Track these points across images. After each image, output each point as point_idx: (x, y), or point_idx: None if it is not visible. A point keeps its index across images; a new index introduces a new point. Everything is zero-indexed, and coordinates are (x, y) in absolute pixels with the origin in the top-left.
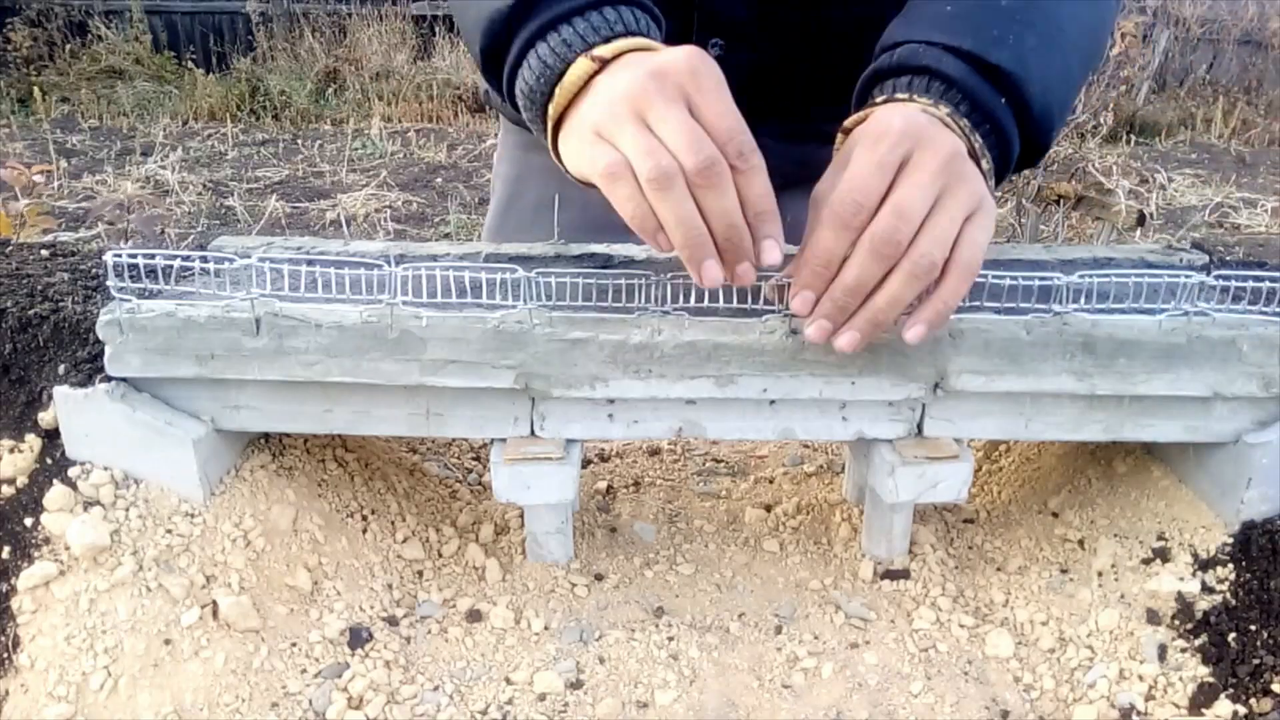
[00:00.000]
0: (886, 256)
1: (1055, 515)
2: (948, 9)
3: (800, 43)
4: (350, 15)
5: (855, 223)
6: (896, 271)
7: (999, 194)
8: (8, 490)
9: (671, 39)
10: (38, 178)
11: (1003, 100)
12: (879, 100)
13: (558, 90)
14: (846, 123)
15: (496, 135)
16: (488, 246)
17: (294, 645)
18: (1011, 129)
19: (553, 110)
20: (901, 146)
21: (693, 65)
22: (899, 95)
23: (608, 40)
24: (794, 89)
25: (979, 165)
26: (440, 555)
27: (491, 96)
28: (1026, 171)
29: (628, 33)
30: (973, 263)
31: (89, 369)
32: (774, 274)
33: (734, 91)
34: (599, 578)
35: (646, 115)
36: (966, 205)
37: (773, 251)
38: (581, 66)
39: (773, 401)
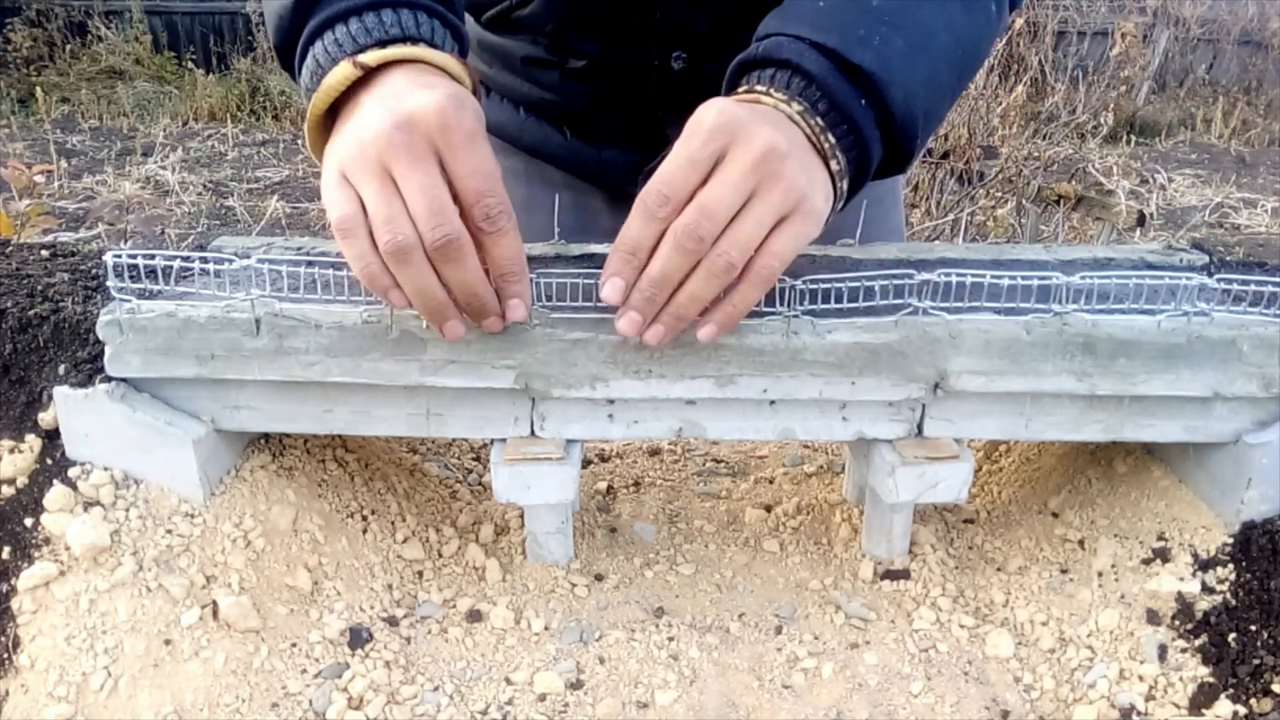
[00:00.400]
0: (690, 251)
1: (1055, 515)
2: (820, 4)
3: None
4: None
5: (661, 214)
6: (698, 269)
7: (1000, 195)
8: (8, 490)
9: (634, 52)
10: (38, 178)
11: (862, 101)
12: (740, 92)
13: (315, 95)
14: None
15: None
16: None
17: (294, 645)
18: (871, 131)
19: (310, 115)
20: (715, 142)
21: (444, 117)
22: (758, 88)
23: (381, 44)
24: None
25: (828, 166)
26: (440, 555)
27: None
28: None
29: (405, 37)
30: (769, 271)
31: (89, 369)
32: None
33: (697, 101)
34: (599, 578)
35: (391, 170)
36: (778, 208)
37: (518, 310)
38: (342, 71)
39: (773, 402)
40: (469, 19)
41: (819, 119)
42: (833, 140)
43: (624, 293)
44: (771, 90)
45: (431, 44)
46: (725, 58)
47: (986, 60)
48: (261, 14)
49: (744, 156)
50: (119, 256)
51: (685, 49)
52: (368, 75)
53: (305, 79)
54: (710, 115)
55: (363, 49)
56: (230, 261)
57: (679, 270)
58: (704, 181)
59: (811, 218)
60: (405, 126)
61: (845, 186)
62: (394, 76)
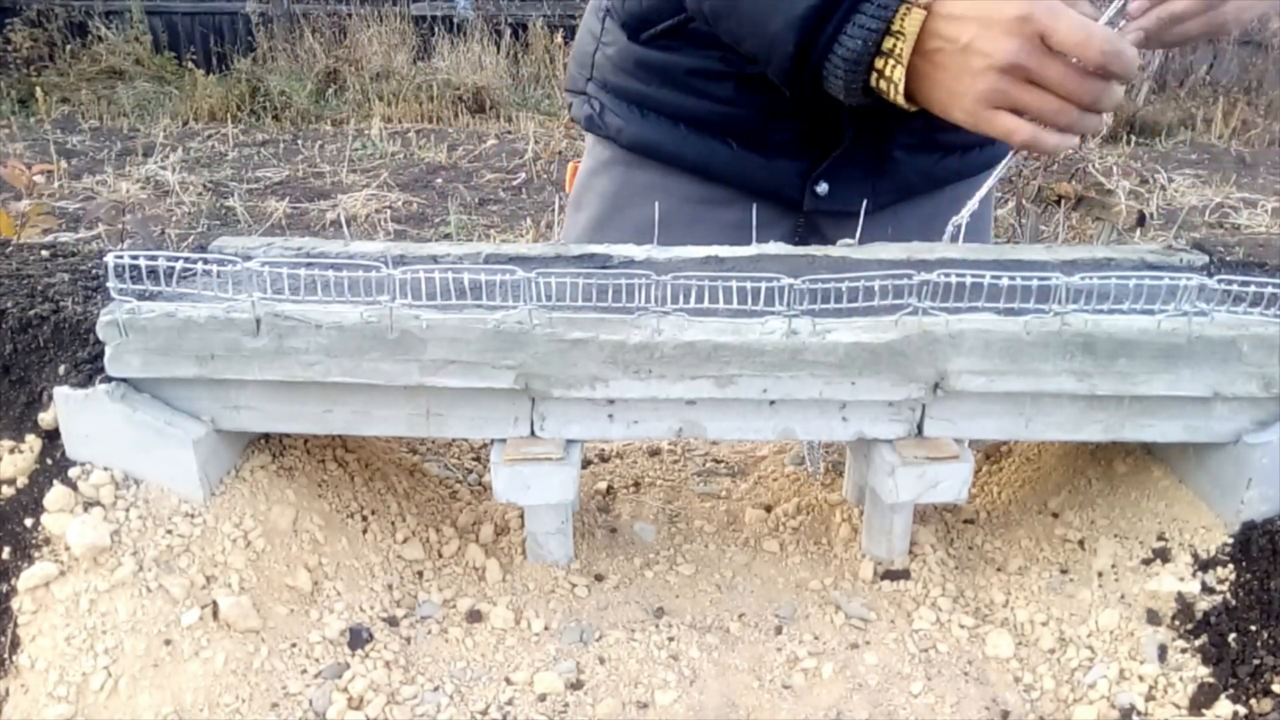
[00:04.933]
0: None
1: (1055, 515)
2: None
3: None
4: (350, 16)
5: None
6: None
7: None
8: (8, 491)
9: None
10: (38, 178)
11: None
12: None
13: (900, 42)
14: None
15: (582, 149)
16: (488, 247)
17: (294, 646)
18: None
19: (898, 64)
20: None
21: (1032, 9)
22: None
23: None
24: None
25: None
26: (440, 555)
27: (603, 118)
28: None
29: None
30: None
31: (89, 369)
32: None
33: (863, 108)
34: (599, 578)
35: (1030, 76)
36: None
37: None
38: (915, 18)
39: (773, 402)
40: (618, 37)
41: None
42: None
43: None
44: None
45: None
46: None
47: None
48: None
49: None
50: (120, 257)
51: (828, 181)
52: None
53: (851, 46)
54: None
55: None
56: (231, 263)
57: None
58: None
59: None
60: (1018, 34)
61: None
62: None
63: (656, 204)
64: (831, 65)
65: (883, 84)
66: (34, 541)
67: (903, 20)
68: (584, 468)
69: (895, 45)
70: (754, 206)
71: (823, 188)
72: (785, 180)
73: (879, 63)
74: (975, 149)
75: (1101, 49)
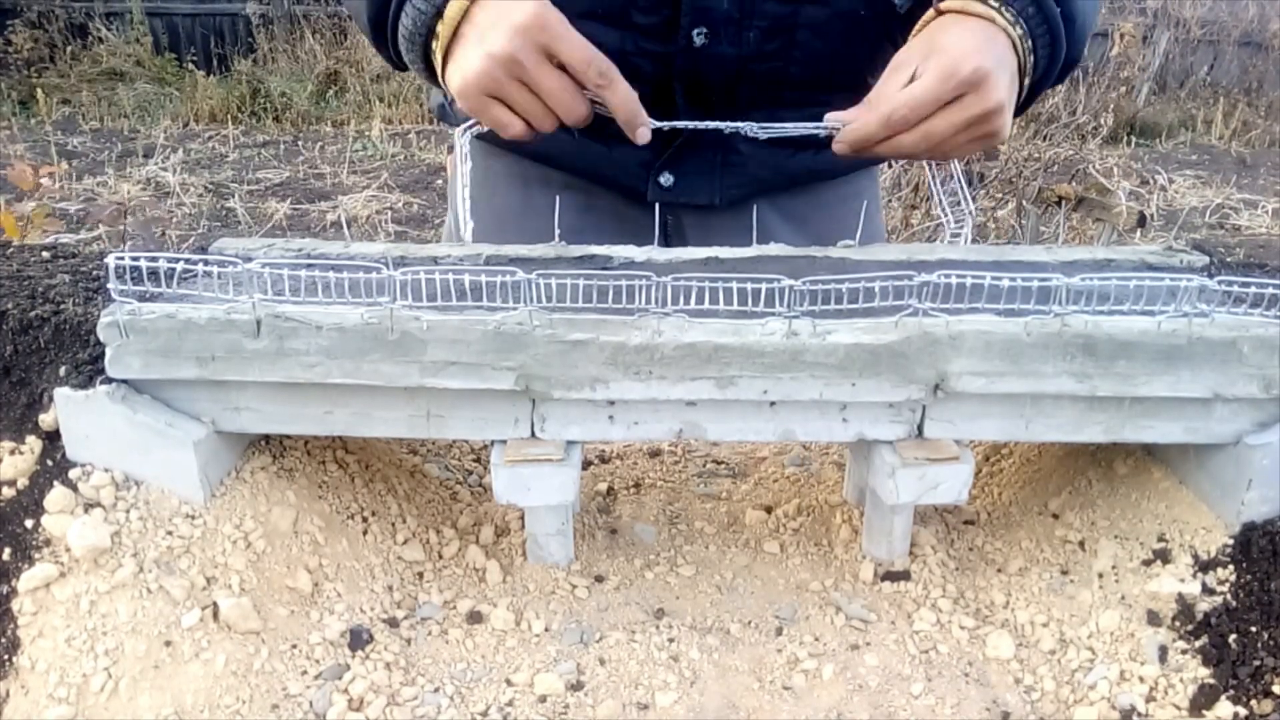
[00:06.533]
0: (897, 154)
1: (1056, 517)
2: None
3: (779, 37)
4: (350, 16)
5: (897, 129)
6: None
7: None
8: (8, 492)
9: (659, 28)
10: (45, 180)
11: (1059, 11)
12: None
13: (440, 25)
14: (941, 5)
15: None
16: (488, 249)
17: (294, 647)
18: (1062, 44)
19: (438, 46)
20: (960, 89)
21: (541, 19)
22: (992, 3)
23: None
24: (770, 86)
25: (1021, 83)
26: (441, 557)
27: (453, 107)
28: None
29: None
30: (939, 154)
31: (90, 371)
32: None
33: (714, 87)
34: (599, 579)
35: (522, 76)
36: (975, 137)
37: (645, 134)
38: (459, 6)
39: (773, 403)
40: None
41: (1030, 41)
42: (1033, 60)
43: (844, 149)
44: (1003, 10)
45: None
46: (741, 40)
47: None
48: (263, 15)
49: (975, 107)
50: (120, 259)
51: (707, 25)
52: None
53: (406, 24)
54: (967, 69)
55: None
56: (232, 264)
57: (881, 156)
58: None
59: (995, 143)
60: (519, 35)
61: (1024, 91)
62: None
63: (517, 192)
64: (399, 40)
65: (437, 62)
66: (34, 543)
67: (450, 6)
68: (584, 469)
69: (440, 27)
70: (615, 196)
71: (667, 179)
72: (627, 170)
73: (434, 43)
74: (828, 148)
75: (598, 75)
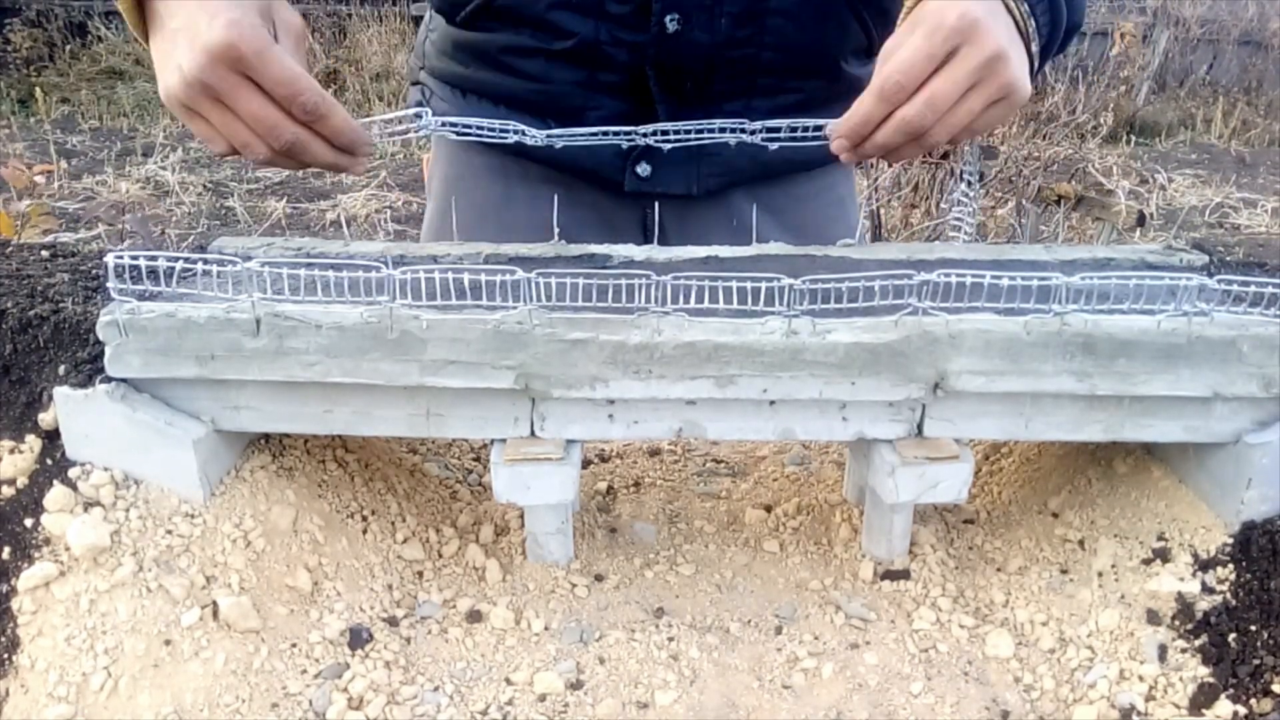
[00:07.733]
0: (909, 134)
1: (1055, 515)
2: None
3: (750, 23)
4: (350, 16)
5: (895, 99)
6: (909, 144)
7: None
8: (8, 491)
9: (631, 16)
10: (39, 178)
11: None
12: None
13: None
14: None
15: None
16: (487, 248)
17: (294, 646)
18: (1061, 13)
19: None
20: (952, 40)
21: (239, 47)
22: None
23: None
24: (744, 73)
25: (1028, 48)
26: (440, 556)
27: (431, 103)
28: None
29: None
30: (962, 134)
31: (89, 370)
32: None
33: (688, 74)
34: (599, 578)
35: (223, 101)
36: (991, 97)
37: (359, 165)
38: None
39: (773, 402)
40: (440, 22)
41: (1026, 4)
42: (1034, 24)
43: (848, 151)
44: None
45: None
46: (714, 27)
47: None
48: None
49: (974, 56)
50: (120, 257)
51: (680, 12)
52: None
53: None
54: (952, 17)
55: None
56: (230, 262)
57: (897, 146)
58: (935, 71)
59: (1016, 102)
60: (210, 61)
61: (1037, 64)
62: None
63: (494, 187)
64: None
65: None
66: (34, 542)
67: None
68: (584, 468)
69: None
70: (596, 188)
71: (644, 169)
72: (605, 161)
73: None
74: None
75: (304, 113)
